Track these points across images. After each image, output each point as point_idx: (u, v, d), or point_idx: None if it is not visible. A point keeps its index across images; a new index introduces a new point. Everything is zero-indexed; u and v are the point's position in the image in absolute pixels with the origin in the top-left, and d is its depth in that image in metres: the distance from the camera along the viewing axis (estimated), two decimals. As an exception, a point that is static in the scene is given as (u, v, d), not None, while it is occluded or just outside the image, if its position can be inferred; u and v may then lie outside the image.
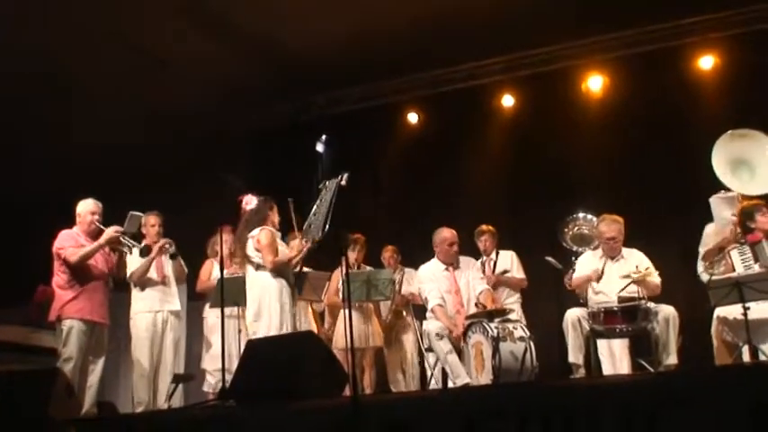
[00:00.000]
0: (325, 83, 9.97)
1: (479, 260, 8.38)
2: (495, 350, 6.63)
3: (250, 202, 7.22)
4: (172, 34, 8.50)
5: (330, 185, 7.28)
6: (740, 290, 6.38)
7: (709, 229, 7.71)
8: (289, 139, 10.52)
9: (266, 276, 6.84)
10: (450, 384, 7.01)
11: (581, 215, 8.26)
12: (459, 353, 7.00)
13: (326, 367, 6.03)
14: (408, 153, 10.22)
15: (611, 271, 7.16)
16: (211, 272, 8.25)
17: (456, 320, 7.13)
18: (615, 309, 6.73)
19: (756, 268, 6.71)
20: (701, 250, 7.54)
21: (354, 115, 10.35)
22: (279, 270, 6.85)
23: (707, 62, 9.19)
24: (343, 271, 5.95)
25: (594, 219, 7.87)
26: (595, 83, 9.55)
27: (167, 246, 7.62)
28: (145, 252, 7.48)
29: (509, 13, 8.50)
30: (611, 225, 7.28)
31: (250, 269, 6.95)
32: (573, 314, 6.89)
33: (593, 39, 9.30)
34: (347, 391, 5.87)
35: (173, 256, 7.65)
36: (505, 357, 6.65)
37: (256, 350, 5.96)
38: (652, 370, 6.74)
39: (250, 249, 6.93)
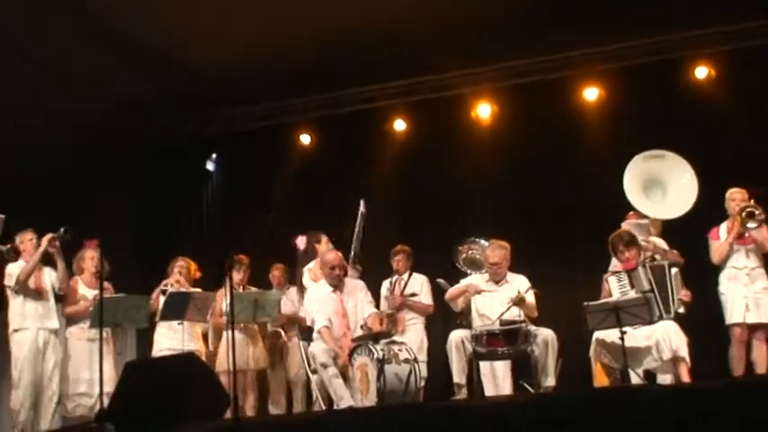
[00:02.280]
0: (221, 101, 9.87)
1: (390, 279, 8.39)
2: (380, 372, 6.65)
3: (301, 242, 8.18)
4: (62, 43, 8.24)
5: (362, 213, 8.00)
6: (617, 314, 6.56)
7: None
8: (181, 156, 10.39)
9: None
10: (335, 407, 7.02)
11: (476, 239, 8.39)
12: (345, 375, 7.02)
13: (208, 389, 5.96)
14: (301, 174, 10.20)
15: (495, 295, 7.29)
16: (77, 290, 7.96)
17: (342, 343, 7.12)
18: (497, 331, 6.84)
19: (632, 294, 6.93)
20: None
21: (249, 134, 10.30)
22: None
23: (591, 93, 9.49)
24: (228, 291, 5.91)
25: (486, 243, 8.00)
26: (484, 111, 9.74)
27: (56, 237, 7.41)
28: (11, 253, 7.29)
29: (404, 40, 8.61)
30: (495, 251, 7.43)
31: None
32: (456, 336, 6.97)
33: (484, 68, 9.51)
34: (229, 414, 5.79)
35: (64, 234, 7.43)
36: (390, 379, 6.68)
37: (136, 372, 5.85)
38: (532, 391, 6.89)
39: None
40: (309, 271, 7.99)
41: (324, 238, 8.13)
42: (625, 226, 7.65)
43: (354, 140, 10.01)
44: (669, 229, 7.83)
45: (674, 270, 7.04)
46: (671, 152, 7.83)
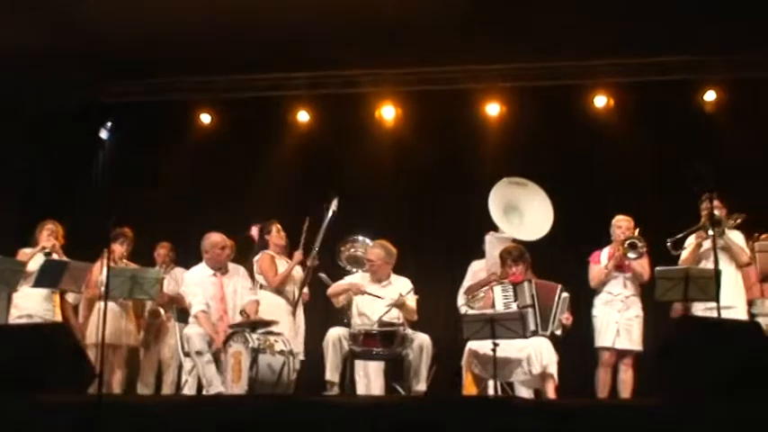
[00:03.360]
0: (123, 69, 9.59)
1: None
2: (254, 361, 6.65)
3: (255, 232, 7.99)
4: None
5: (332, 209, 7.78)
6: (492, 326, 6.67)
7: (476, 265, 8.11)
8: (75, 120, 10.08)
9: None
10: (204, 392, 6.95)
11: (359, 237, 8.43)
12: (218, 361, 6.95)
13: (74, 361, 5.84)
14: (198, 153, 10.04)
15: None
16: None
17: (218, 328, 7.06)
18: (375, 332, 6.90)
19: (514, 307, 7.05)
20: (465, 284, 7.91)
21: (148, 107, 10.04)
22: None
23: (493, 109, 9.65)
24: (105, 264, 5.79)
25: (370, 242, 8.04)
26: (389, 112, 9.79)
27: None
28: None
29: (315, 32, 8.56)
30: (374, 249, 7.52)
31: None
32: (334, 333, 6.99)
33: (392, 70, 9.53)
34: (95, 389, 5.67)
35: None
36: (263, 369, 6.69)
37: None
38: (404, 393, 6.96)
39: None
40: (256, 263, 7.80)
41: (275, 228, 7.91)
42: (488, 240, 7.84)
43: (255, 126, 9.88)
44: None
45: (564, 294, 7.17)
46: (532, 182, 8.16)
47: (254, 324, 6.98)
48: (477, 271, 8.07)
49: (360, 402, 6.23)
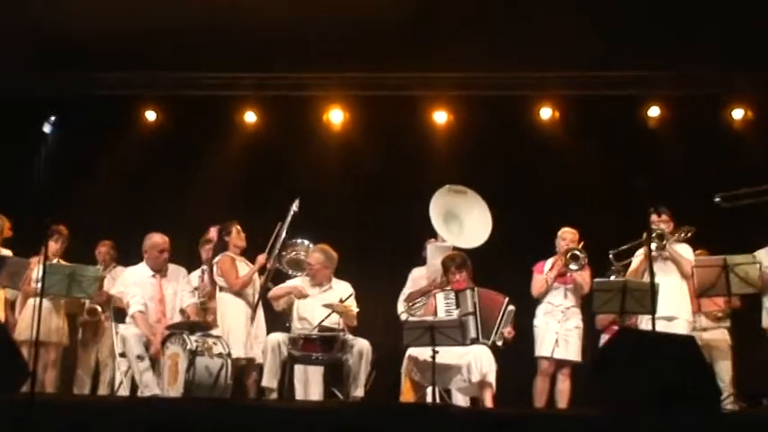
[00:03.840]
0: (69, 64, 9.42)
1: (200, 268, 8.22)
2: (191, 364, 6.59)
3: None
4: None
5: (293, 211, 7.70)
6: (432, 333, 6.68)
7: (417, 272, 8.13)
8: (19, 113, 9.85)
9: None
10: (139, 393, 6.86)
11: (299, 241, 8.35)
12: (155, 362, 6.88)
13: (6, 359, 5.74)
14: (143, 151, 9.89)
15: (317, 299, 7.29)
16: None
17: (156, 329, 6.98)
18: (314, 336, 6.89)
19: (456, 314, 7.07)
20: (405, 291, 7.92)
21: (92, 102, 9.85)
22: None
23: (441, 117, 9.69)
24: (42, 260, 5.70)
25: (312, 246, 8.00)
26: (336, 116, 9.78)
27: None
28: None
29: (266, 33, 8.50)
30: (313, 253, 7.53)
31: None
32: (274, 338, 6.97)
33: (340, 74, 9.50)
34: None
35: None
36: (200, 372, 6.63)
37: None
38: (342, 399, 6.94)
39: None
40: (216, 264, 7.70)
41: (234, 229, 7.78)
42: (429, 248, 7.87)
43: (202, 125, 9.78)
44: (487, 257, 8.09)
45: (511, 308, 7.21)
46: (472, 191, 8.18)
47: (192, 326, 6.91)
48: (417, 278, 8.09)
49: (296, 407, 6.21)
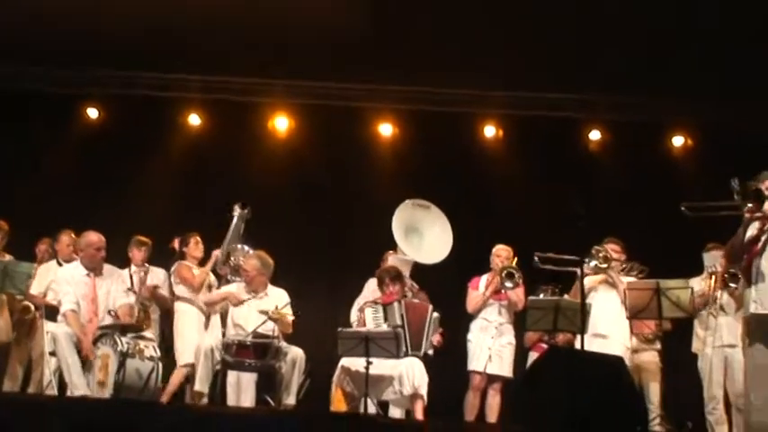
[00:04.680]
0: (9, 57, 9.28)
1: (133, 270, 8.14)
2: (121, 365, 6.54)
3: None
4: None
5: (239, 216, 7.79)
6: (367, 344, 6.72)
7: (374, 283, 8.12)
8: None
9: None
10: (68, 393, 6.76)
11: (239, 246, 8.31)
12: (85, 362, 6.79)
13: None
14: (84, 148, 9.78)
15: (252, 306, 7.24)
16: None
17: (87, 329, 6.88)
18: (248, 343, 6.84)
19: (384, 327, 7.11)
20: (360, 300, 7.91)
21: (33, 96, 9.71)
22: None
23: (386, 129, 9.75)
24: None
25: (251, 252, 7.98)
26: (282, 123, 9.78)
27: None
28: None
29: (211, 36, 8.49)
30: (249, 260, 7.49)
31: None
32: (207, 344, 6.94)
33: (286, 82, 9.55)
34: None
35: None
36: (130, 374, 6.59)
37: None
38: (274, 406, 6.92)
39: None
40: (173, 274, 7.91)
41: (193, 240, 8.04)
42: (391, 260, 7.92)
43: (143, 125, 9.66)
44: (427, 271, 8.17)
45: (435, 314, 7.29)
46: (435, 206, 8.25)
47: (124, 328, 6.85)
48: (374, 289, 8.09)
49: (226, 412, 6.18)
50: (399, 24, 8.27)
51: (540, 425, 5.29)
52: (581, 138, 9.77)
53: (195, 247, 8.01)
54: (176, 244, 8.12)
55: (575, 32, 8.12)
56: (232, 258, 8.22)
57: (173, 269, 7.93)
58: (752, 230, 5.88)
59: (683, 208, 6.60)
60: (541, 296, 7.61)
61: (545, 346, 7.67)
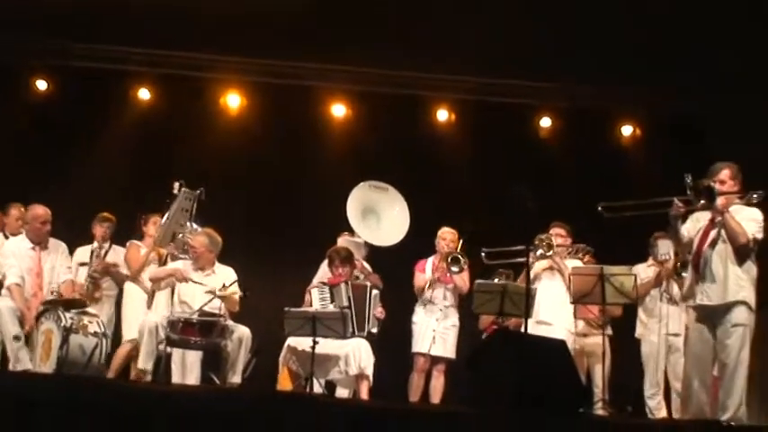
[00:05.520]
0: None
1: (90, 246, 8.04)
2: (65, 341, 6.52)
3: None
4: None
5: (185, 196, 7.47)
6: (314, 324, 6.74)
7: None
8: None
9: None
10: (10, 368, 6.70)
11: (188, 224, 8.21)
12: (29, 337, 6.73)
13: None
14: (32, 121, 9.57)
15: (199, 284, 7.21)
16: None
17: (31, 303, 6.83)
18: (194, 321, 6.81)
19: (331, 308, 7.16)
20: (315, 280, 7.90)
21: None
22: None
23: (339, 110, 9.73)
24: None
25: (199, 229, 7.92)
26: (234, 101, 9.69)
27: None
28: None
29: (163, 9, 8.36)
30: (198, 236, 7.44)
31: None
32: (152, 321, 6.88)
33: (238, 58, 9.39)
34: None
35: None
36: (73, 350, 6.57)
37: None
38: (219, 384, 6.91)
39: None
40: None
41: (152, 220, 8.02)
42: (342, 241, 7.92)
43: (92, 98, 9.50)
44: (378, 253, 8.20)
45: (375, 291, 7.36)
46: (393, 188, 8.31)
47: (68, 303, 6.79)
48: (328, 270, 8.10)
49: (168, 390, 6.14)
50: (355, 4, 8.23)
51: (484, 404, 5.36)
52: (532, 124, 9.84)
53: (154, 227, 7.97)
54: (143, 222, 8.15)
55: (528, 20, 8.15)
56: (180, 236, 8.15)
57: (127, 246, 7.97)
58: (701, 222, 6.04)
59: (599, 208, 6.79)
60: (496, 280, 7.67)
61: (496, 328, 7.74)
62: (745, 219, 5.92)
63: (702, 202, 5.89)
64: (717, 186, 5.87)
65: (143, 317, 7.35)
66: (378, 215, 8.30)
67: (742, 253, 5.90)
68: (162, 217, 7.67)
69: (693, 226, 6.14)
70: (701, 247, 6.01)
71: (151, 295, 7.66)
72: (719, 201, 5.86)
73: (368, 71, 9.35)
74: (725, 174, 6.01)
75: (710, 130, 9.28)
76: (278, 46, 8.94)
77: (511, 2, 8.01)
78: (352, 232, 8.10)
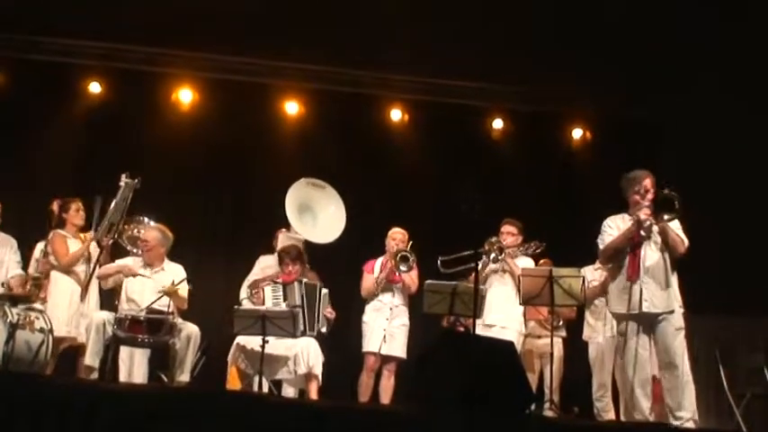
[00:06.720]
0: None
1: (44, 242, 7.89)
2: (11, 337, 6.42)
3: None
4: None
5: (125, 186, 7.26)
6: (264, 323, 6.73)
7: (265, 261, 8.15)
8: None
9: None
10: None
11: (140, 218, 8.12)
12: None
13: None
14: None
15: (147, 280, 7.15)
16: None
17: (-22, 298, 6.71)
18: (142, 318, 6.75)
19: (283, 306, 7.15)
20: (251, 277, 7.91)
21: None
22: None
23: (292, 107, 9.71)
24: None
25: (153, 223, 7.86)
26: (186, 96, 9.62)
27: None
28: None
29: (114, 4, 8.31)
30: (150, 231, 7.42)
31: None
32: (99, 317, 6.81)
33: (192, 54, 9.36)
34: None
35: None
36: (19, 346, 6.47)
37: None
38: (167, 383, 6.86)
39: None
40: (49, 241, 7.52)
41: (74, 207, 7.62)
42: (281, 238, 7.92)
43: (43, 91, 9.36)
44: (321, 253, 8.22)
45: (324, 291, 7.36)
46: (330, 186, 8.32)
47: (15, 298, 6.69)
48: (265, 267, 8.09)
49: (116, 388, 6.08)
50: (309, 2, 8.23)
51: (431, 404, 5.38)
52: (484, 125, 9.92)
53: (76, 214, 7.62)
54: (55, 207, 7.71)
55: (480, 22, 8.22)
56: (134, 230, 8.05)
57: (49, 237, 7.53)
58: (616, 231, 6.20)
59: (438, 263, 7.01)
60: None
61: (462, 329, 7.78)
62: (676, 228, 6.15)
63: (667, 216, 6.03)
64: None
65: (69, 310, 7.23)
66: (314, 212, 8.31)
67: (678, 261, 6.13)
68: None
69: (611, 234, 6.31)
70: (637, 257, 6.15)
71: (85, 287, 7.47)
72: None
73: (322, 69, 9.36)
74: (648, 182, 6.22)
75: (661, 134, 9.44)
76: (231, 42, 8.91)
77: (465, 3, 8.06)
78: (290, 228, 8.10)
